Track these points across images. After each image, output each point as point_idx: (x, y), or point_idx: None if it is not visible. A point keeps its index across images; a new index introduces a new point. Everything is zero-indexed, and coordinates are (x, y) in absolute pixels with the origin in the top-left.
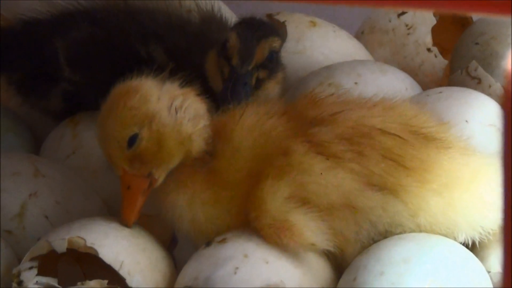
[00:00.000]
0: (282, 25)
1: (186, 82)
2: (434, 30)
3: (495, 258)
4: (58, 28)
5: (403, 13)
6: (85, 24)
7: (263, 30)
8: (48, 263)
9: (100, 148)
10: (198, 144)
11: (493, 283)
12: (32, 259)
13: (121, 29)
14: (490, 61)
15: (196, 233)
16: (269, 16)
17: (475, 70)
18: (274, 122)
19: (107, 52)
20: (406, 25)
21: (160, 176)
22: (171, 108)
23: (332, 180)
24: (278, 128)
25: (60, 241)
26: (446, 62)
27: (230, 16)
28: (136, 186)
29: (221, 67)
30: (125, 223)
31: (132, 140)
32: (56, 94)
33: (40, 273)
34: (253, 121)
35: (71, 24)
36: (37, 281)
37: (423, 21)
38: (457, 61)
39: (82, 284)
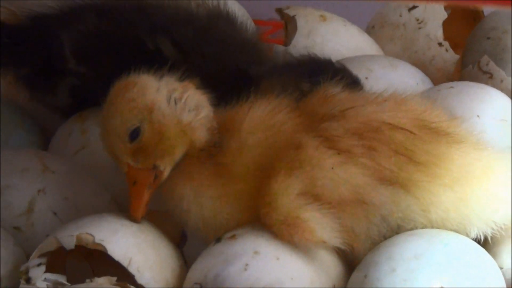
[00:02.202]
0: (292, 20)
1: (192, 75)
2: (445, 24)
3: (508, 254)
4: (64, 21)
5: (414, 7)
6: (91, 17)
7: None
8: (57, 260)
9: (104, 146)
10: (201, 134)
11: (505, 279)
12: (40, 256)
13: (128, 21)
14: (502, 56)
15: (204, 228)
16: (279, 10)
17: (487, 64)
18: (284, 116)
19: (113, 45)
20: (417, 20)
21: (165, 167)
22: (170, 99)
23: (343, 175)
24: (288, 122)
25: (68, 237)
26: (457, 56)
27: (240, 10)
28: (142, 180)
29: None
30: (133, 219)
31: (134, 133)
32: (63, 89)
33: (49, 270)
34: (262, 114)
35: (77, 16)
36: (45, 278)
37: (434, 15)
38: (469, 56)
39: (91, 281)
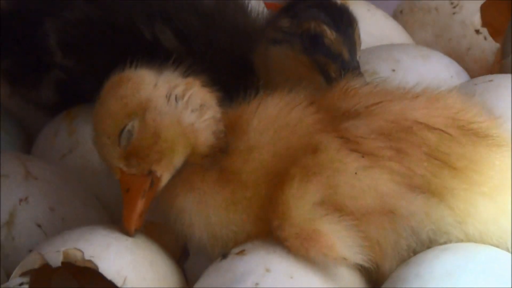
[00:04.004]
0: None
1: (197, 69)
2: (484, 9)
3: None
4: (49, 8)
5: None
6: (80, 2)
7: (343, 13)
8: (41, 279)
9: (96, 150)
10: (204, 138)
11: None
12: (22, 274)
13: (121, 7)
14: None
15: (209, 242)
16: None
17: None
18: (299, 113)
19: (105, 35)
20: (451, 3)
21: (162, 173)
22: (170, 96)
23: (368, 181)
24: (304, 121)
25: (54, 253)
26: (497, 45)
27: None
28: (135, 187)
29: (322, 66)
30: (126, 231)
31: (125, 134)
32: (48, 84)
33: None
34: (273, 112)
35: (63, 2)
36: None
37: None
38: (509, 45)
39: None
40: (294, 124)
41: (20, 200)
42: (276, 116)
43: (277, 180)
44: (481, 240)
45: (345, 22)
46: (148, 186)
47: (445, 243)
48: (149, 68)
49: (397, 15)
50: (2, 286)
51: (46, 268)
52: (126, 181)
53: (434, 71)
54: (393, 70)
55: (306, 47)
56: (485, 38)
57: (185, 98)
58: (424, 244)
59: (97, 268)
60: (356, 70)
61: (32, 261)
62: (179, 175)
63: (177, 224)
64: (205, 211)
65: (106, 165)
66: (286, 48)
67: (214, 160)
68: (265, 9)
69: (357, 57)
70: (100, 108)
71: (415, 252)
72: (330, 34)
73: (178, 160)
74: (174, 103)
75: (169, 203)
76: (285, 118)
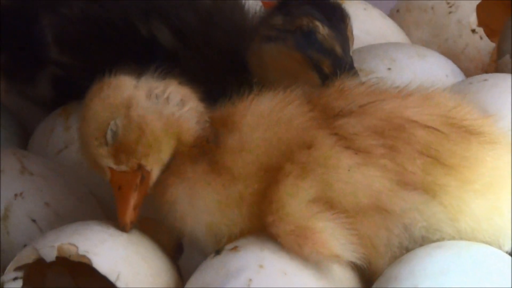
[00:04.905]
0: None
1: (194, 66)
2: (480, 9)
3: None
4: (46, 3)
5: None
6: None
7: (336, 9)
8: (35, 274)
9: (83, 156)
10: (188, 126)
11: None
12: (17, 269)
13: (118, 4)
14: None
15: (201, 234)
16: None
17: None
18: (293, 110)
19: (101, 32)
20: (448, 3)
21: (152, 167)
22: (150, 95)
23: (361, 178)
24: (298, 118)
25: (49, 248)
26: (493, 45)
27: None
28: (127, 183)
29: (315, 62)
30: (121, 227)
31: (111, 132)
32: (44, 80)
33: (26, 284)
34: (267, 108)
35: None
36: None
37: None
38: (505, 44)
39: None
40: (287, 120)
41: (16, 195)
42: (269, 113)
43: (270, 176)
44: (473, 237)
45: (338, 18)
46: (139, 180)
47: (437, 240)
48: (133, 71)
49: (394, 14)
50: None
51: (40, 262)
52: (117, 179)
53: (429, 70)
54: (389, 69)
55: (299, 43)
56: (481, 38)
57: (165, 95)
58: (416, 241)
59: (91, 263)
60: (350, 66)
61: (26, 256)
62: (168, 169)
63: (170, 216)
64: (196, 201)
65: (95, 169)
66: (280, 45)
67: (203, 150)
68: (263, 8)
69: (350, 53)
70: (85, 114)
71: (408, 250)
72: (322, 30)
73: (165, 152)
74: (155, 100)
75: (161, 196)
76: (278, 115)
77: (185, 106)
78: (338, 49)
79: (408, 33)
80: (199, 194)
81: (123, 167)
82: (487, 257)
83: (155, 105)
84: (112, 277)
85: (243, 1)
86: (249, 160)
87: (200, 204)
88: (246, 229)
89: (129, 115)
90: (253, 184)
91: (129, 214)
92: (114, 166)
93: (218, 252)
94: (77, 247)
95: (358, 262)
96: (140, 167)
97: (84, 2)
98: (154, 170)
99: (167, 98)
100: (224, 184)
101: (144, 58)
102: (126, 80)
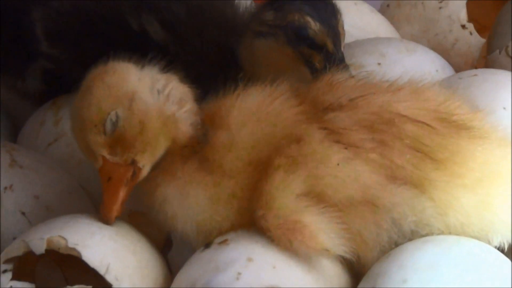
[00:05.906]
0: None
1: (184, 61)
2: (470, 4)
3: None
4: None
5: None
6: None
7: (327, 5)
8: (25, 266)
9: (75, 139)
10: (184, 128)
11: None
12: (6, 261)
13: None
14: None
15: (192, 232)
16: None
17: None
18: (281, 104)
19: (91, 25)
20: None
21: (144, 164)
22: (153, 89)
23: (351, 172)
24: (287, 112)
25: (38, 241)
26: (483, 40)
27: None
28: (118, 176)
29: (307, 57)
30: (106, 220)
31: (111, 122)
32: (34, 73)
33: (16, 277)
34: (255, 102)
35: None
36: (11, 287)
37: None
38: (496, 40)
39: None
40: (275, 115)
41: (5, 188)
42: (256, 107)
43: (259, 170)
44: (462, 232)
45: (329, 14)
46: (131, 176)
47: (426, 235)
48: (132, 61)
49: (384, 9)
50: None
51: (30, 255)
52: (108, 169)
53: (419, 65)
54: (379, 64)
55: (290, 39)
56: (471, 33)
57: (166, 92)
58: (405, 236)
59: (81, 256)
60: (341, 61)
61: (16, 249)
62: (159, 167)
63: (160, 214)
64: (187, 200)
65: (87, 155)
66: (271, 41)
67: (192, 150)
68: (254, 3)
69: (342, 48)
70: (84, 97)
71: (397, 244)
72: (314, 25)
73: (159, 151)
74: (156, 96)
75: (151, 194)
76: (266, 109)
77: (184, 106)
78: (329, 45)
79: (398, 28)
80: (190, 193)
81: (117, 159)
82: (476, 251)
83: (157, 102)
84: (101, 270)
85: None
86: (239, 156)
87: (191, 203)
88: (237, 225)
89: (132, 109)
90: (243, 179)
91: (116, 208)
92: (107, 156)
93: (207, 245)
94: (66, 240)
95: (347, 256)
96: (133, 162)
97: None
98: (146, 167)
99: (168, 95)
100: (214, 181)
101: (135, 52)
102: (130, 69)
